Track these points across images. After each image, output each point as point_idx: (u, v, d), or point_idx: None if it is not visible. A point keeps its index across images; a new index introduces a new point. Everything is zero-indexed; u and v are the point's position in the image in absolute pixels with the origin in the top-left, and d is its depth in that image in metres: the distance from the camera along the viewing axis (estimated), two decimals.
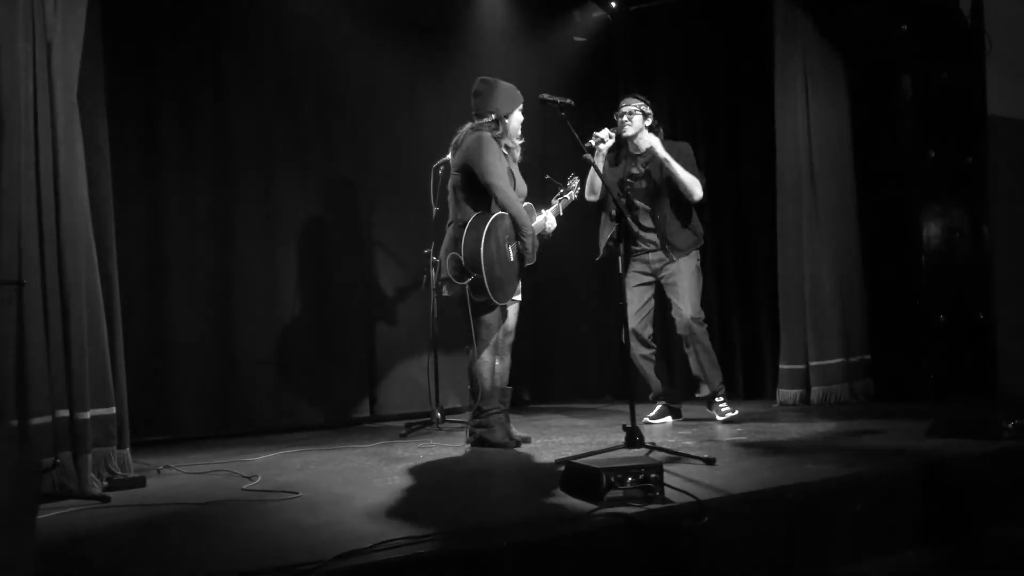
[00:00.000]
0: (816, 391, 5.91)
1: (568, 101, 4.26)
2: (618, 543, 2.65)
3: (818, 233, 6.04)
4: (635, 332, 5.14)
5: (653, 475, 2.91)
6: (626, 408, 3.87)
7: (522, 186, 4.49)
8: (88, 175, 3.59)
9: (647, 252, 5.22)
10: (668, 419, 5.33)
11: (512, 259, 4.36)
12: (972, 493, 3.52)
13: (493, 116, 4.40)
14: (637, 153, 5.21)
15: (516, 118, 4.49)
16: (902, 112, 6.27)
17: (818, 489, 3.16)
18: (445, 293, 4.43)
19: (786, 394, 5.93)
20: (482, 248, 4.15)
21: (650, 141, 5.08)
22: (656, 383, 5.32)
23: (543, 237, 4.59)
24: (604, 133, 5.04)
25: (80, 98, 3.57)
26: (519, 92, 4.53)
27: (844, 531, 3.13)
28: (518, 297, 4.54)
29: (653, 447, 3.81)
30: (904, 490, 3.35)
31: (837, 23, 6.18)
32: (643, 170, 5.18)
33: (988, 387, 5.94)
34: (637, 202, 5.18)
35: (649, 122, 5.21)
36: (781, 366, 6.01)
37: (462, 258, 4.20)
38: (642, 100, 5.22)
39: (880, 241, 6.28)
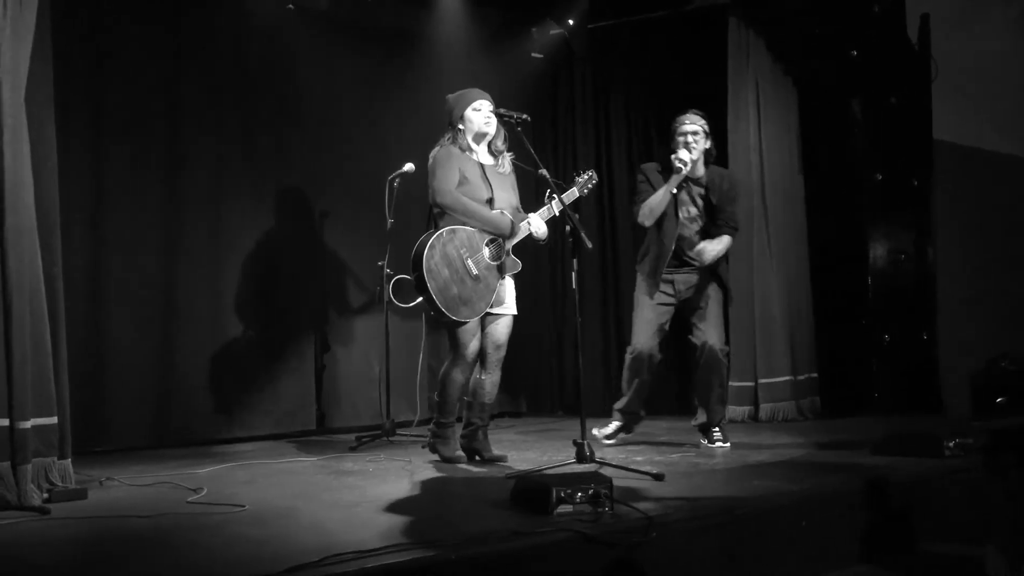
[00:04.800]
0: (765, 408, 6.00)
1: (524, 116, 4.24)
2: (567, 558, 2.65)
3: (768, 252, 6.13)
4: (650, 355, 4.86)
5: (603, 490, 2.92)
6: (577, 423, 3.88)
7: (501, 192, 4.31)
8: (35, 177, 3.50)
9: (678, 272, 4.87)
10: (621, 435, 5.09)
11: (476, 272, 4.19)
12: (915, 510, 3.59)
13: (450, 126, 4.39)
14: (694, 178, 4.83)
15: (471, 116, 4.35)
16: (851, 135, 6.42)
17: (765, 505, 3.20)
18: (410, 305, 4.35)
19: (735, 411, 5.98)
20: (424, 267, 4.06)
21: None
22: (637, 406, 5.01)
23: (539, 243, 4.45)
24: (687, 156, 4.69)
25: (28, 99, 3.49)
26: (465, 90, 4.43)
27: (790, 547, 3.17)
28: (510, 311, 4.39)
29: (603, 463, 3.82)
30: (849, 507, 3.41)
31: (789, 47, 6.30)
32: (702, 200, 4.85)
33: (932, 406, 6.07)
34: (685, 232, 4.83)
35: (709, 143, 4.82)
36: (731, 383, 6.05)
37: (412, 278, 4.17)
38: (703, 116, 4.85)
39: (828, 261, 6.40)
